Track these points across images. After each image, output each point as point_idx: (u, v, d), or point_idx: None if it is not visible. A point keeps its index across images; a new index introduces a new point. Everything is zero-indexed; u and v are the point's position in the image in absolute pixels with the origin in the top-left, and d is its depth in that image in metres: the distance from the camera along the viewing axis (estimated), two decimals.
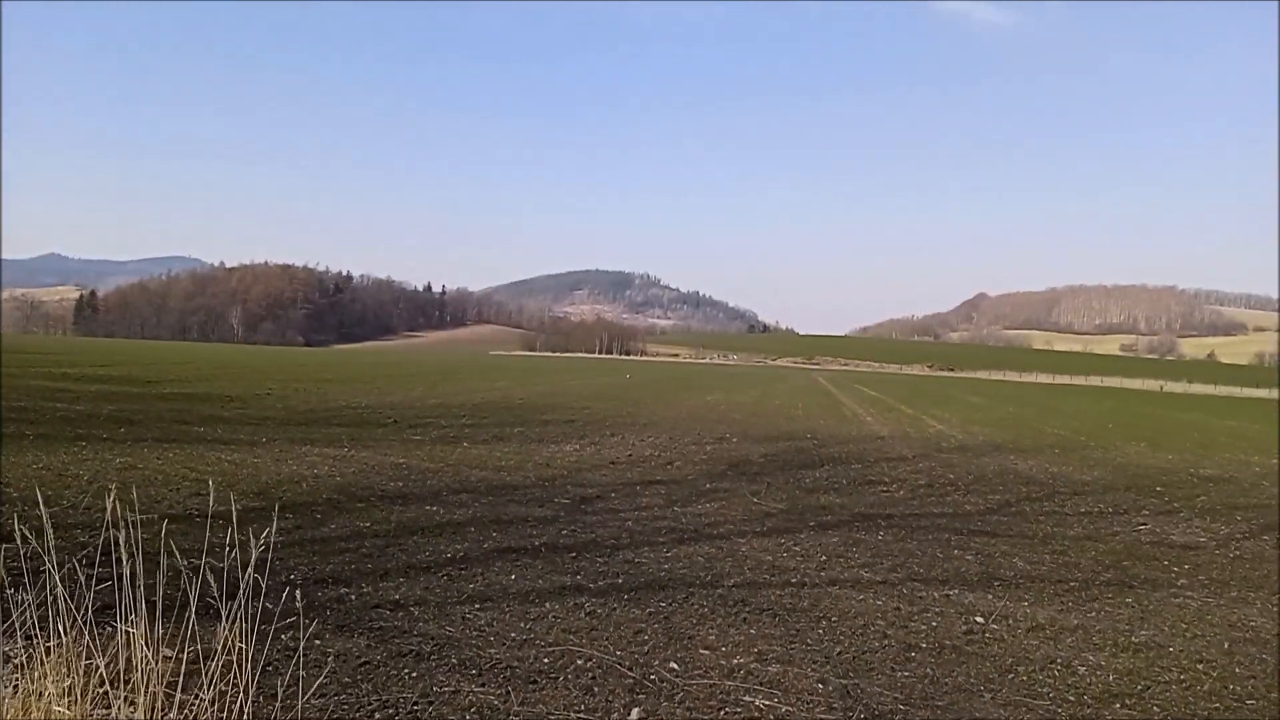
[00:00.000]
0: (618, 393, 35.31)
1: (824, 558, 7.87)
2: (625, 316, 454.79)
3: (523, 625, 5.58)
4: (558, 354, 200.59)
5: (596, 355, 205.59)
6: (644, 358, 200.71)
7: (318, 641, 4.99)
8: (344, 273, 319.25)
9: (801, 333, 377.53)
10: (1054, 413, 36.21)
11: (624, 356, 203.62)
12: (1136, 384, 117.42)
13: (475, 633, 5.39)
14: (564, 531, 8.44)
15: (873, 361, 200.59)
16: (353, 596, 5.98)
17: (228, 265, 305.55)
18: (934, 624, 6.06)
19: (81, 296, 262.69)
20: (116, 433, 14.04)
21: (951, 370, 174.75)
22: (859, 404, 34.88)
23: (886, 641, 5.61)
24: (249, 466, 11.31)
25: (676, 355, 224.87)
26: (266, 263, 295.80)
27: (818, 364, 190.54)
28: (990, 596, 6.88)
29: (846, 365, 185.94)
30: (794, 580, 7.03)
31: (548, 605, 6.04)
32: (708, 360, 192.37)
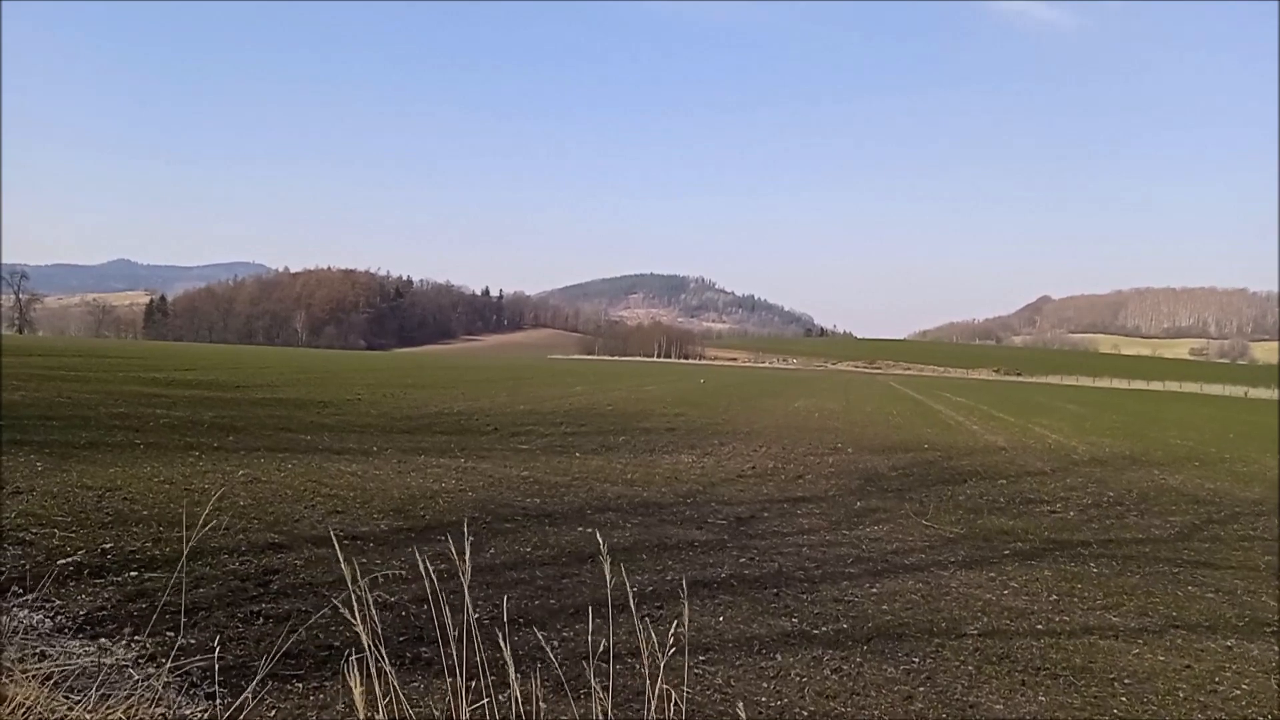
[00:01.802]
0: (700, 398, 34.40)
1: (1053, 597, 6.87)
2: (680, 320, 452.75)
3: (765, 685, 4.75)
4: (617, 358, 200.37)
5: (656, 359, 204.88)
6: (703, 361, 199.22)
7: (543, 705, 4.20)
8: (404, 277, 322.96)
9: (860, 336, 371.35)
10: (1161, 421, 34.31)
11: (683, 360, 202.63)
12: (1217, 389, 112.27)
13: (718, 695, 4.58)
14: (742, 560, 7.60)
15: (936, 365, 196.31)
16: (555, 642, 5.22)
17: (292, 270, 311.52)
18: (1245, 687, 5.05)
19: (151, 301, 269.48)
20: (226, 441, 13.62)
21: (1019, 375, 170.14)
22: (955, 411, 33.41)
23: (1211, 712, 4.63)
24: (374, 480, 10.71)
25: (735, 359, 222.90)
26: (329, 268, 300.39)
27: (879, 368, 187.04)
28: (1277, 649, 5.85)
29: (909, 369, 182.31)
30: (1040, 627, 6.06)
31: (779, 658, 5.19)
32: (768, 364, 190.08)
